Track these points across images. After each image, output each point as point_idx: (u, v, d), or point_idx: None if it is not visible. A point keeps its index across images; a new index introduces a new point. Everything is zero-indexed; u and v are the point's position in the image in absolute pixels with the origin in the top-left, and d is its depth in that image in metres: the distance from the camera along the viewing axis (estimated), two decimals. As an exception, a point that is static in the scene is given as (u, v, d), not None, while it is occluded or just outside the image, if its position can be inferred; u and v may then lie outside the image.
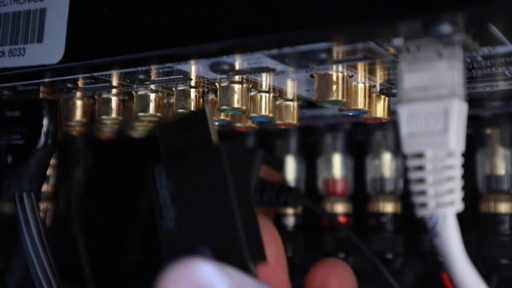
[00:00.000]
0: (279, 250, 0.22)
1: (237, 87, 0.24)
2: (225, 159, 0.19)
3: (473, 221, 0.33)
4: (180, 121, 0.21)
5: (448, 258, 0.18)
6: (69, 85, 0.24)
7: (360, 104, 0.24)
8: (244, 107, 0.24)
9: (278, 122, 0.27)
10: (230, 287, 0.17)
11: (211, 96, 0.26)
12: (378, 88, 0.25)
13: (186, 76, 0.23)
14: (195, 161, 0.20)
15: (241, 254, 0.19)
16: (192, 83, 0.24)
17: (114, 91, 0.26)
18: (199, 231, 0.19)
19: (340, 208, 0.37)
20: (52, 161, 0.35)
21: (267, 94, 0.25)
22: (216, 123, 0.27)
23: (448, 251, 0.18)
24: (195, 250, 0.19)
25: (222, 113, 0.27)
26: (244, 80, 0.24)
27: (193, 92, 0.25)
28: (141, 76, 0.23)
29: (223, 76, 0.23)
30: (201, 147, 0.20)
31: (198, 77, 0.23)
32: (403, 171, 0.36)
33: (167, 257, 0.20)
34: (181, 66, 0.22)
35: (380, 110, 0.25)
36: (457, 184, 0.19)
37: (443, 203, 0.18)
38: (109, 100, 0.27)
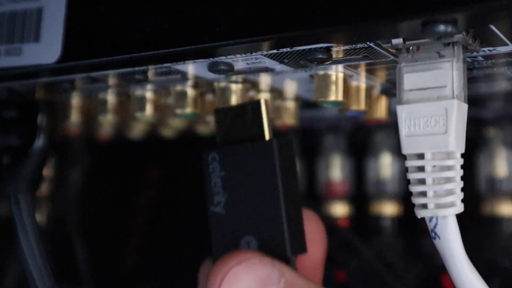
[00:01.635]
0: (324, 248, 0.24)
1: (235, 87, 0.24)
2: (276, 155, 0.21)
3: (474, 224, 0.33)
4: (236, 109, 0.22)
5: (448, 259, 0.18)
6: (66, 85, 0.24)
7: (360, 104, 0.24)
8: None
9: (277, 122, 0.27)
10: (284, 283, 0.20)
11: (209, 97, 0.26)
12: (378, 88, 0.25)
13: (184, 76, 0.23)
14: (248, 152, 0.21)
15: (284, 247, 0.21)
16: (190, 83, 0.24)
17: (111, 91, 0.26)
18: (246, 218, 0.21)
19: (340, 210, 0.37)
20: (50, 162, 0.35)
21: (267, 95, 0.25)
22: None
23: (449, 253, 0.18)
24: (242, 238, 0.21)
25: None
26: (243, 81, 0.24)
27: (191, 92, 0.25)
28: (139, 76, 0.23)
29: (222, 76, 0.23)
30: (254, 138, 0.22)
31: (196, 77, 0.23)
32: (404, 173, 0.36)
33: (215, 240, 0.22)
34: (179, 66, 0.22)
35: (380, 110, 0.25)
36: (457, 185, 0.18)
37: (443, 204, 0.18)
38: (106, 100, 0.27)
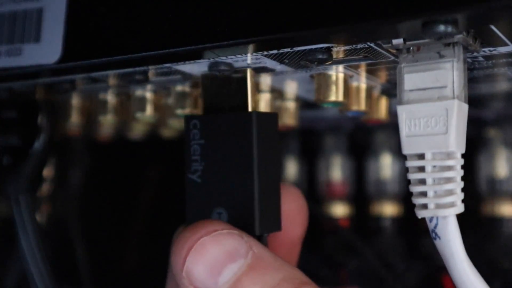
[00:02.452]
0: (303, 227, 0.23)
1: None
2: (254, 127, 0.20)
3: (474, 224, 0.33)
4: (223, 78, 0.22)
5: (449, 259, 0.18)
6: (66, 85, 0.24)
7: (361, 104, 0.24)
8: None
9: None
10: (251, 257, 0.19)
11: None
12: (378, 88, 0.25)
13: (184, 77, 0.23)
14: (227, 122, 0.21)
15: (252, 224, 0.20)
16: (190, 83, 0.24)
17: (111, 91, 0.26)
18: (220, 190, 0.21)
19: (340, 210, 0.37)
20: (50, 162, 0.35)
21: (267, 95, 0.25)
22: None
23: (449, 253, 0.18)
24: (213, 210, 0.21)
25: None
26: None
27: (191, 92, 0.25)
28: (139, 77, 0.23)
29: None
30: (238, 109, 0.21)
31: (196, 77, 0.23)
32: (404, 173, 0.36)
33: (189, 208, 0.21)
34: (180, 67, 0.22)
35: (380, 111, 0.25)
36: (458, 185, 0.18)
37: (443, 204, 0.18)
38: (106, 101, 0.27)
